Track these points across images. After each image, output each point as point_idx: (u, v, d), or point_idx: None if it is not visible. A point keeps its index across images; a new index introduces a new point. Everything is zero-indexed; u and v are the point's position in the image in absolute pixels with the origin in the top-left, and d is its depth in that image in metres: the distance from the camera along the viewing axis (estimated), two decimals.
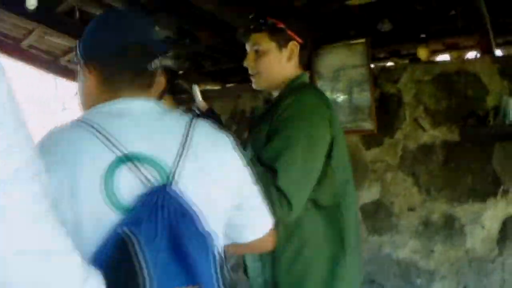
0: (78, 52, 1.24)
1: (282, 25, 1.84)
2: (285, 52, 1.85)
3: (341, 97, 3.88)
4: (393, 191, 3.82)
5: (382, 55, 4.45)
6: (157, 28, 1.30)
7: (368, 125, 3.78)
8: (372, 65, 3.90)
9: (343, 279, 1.74)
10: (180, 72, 2.26)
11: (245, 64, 1.92)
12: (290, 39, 1.85)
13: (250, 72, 1.92)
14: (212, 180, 1.15)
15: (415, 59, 4.01)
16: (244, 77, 4.82)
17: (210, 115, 1.75)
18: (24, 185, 0.71)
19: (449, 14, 3.46)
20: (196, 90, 1.82)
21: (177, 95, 2.29)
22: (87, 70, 1.20)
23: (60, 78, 5.40)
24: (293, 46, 1.85)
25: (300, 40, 1.86)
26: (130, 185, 1.03)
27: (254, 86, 1.94)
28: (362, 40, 3.80)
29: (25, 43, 4.68)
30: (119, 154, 1.03)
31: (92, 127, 1.06)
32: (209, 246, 1.03)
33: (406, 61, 4.25)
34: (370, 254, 3.76)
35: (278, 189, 1.60)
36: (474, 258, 3.49)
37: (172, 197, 1.02)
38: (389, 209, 3.83)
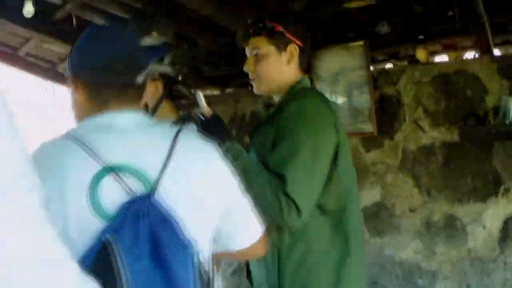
0: (67, 67, 1.28)
1: (281, 28, 1.83)
2: (285, 55, 1.85)
3: (340, 100, 3.87)
4: (394, 192, 3.82)
5: (381, 57, 4.44)
6: (147, 40, 1.32)
7: (368, 127, 3.78)
8: (371, 68, 3.89)
9: (348, 282, 1.74)
10: (179, 77, 2.24)
11: (245, 68, 1.91)
12: (289, 42, 1.84)
13: (250, 76, 1.92)
14: (197, 190, 1.18)
15: (414, 61, 4.01)
16: (243, 81, 4.83)
17: (214, 120, 1.73)
18: (22, 195, 0.72)
19: (447, 15, 3.46)
20: (200, 96, 1.80)
21: (176, 100, 2.28)
22: (75, 85, 1.24)
23: (58, 85, 5.40)
24: (293, 49, 1.85)
25: (299, 43, 1.86)
26: (114, 195, 1.07)
27: (254, 90, 1.94)
28: (361, 43, 3.79)
29: (22, 51, 4.68)
30: (104, 165, 1.07)
31: (79, 140, 1.10)
32: (189, 255, 1.06)
33: (405, 63, 4.24)
34: (372, 256, 3.75)
35: (287, 195, 1.60)
36: (476, 258, 3.49)
37: (154, 207, 1.06)
38: (390, 211, 3.82)
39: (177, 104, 2.27)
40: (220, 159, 1.28)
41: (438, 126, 3.66)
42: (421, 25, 3.64)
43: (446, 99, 3.64)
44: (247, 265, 1.90)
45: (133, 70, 1.22)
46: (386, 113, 3.85)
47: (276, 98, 1.94)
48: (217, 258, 1.33)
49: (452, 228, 3.58)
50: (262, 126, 1.87)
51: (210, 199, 1.20)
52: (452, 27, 3.43)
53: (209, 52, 4.30)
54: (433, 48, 4.10)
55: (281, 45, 1.84)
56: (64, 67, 4.85)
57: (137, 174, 1.10)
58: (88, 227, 1.04)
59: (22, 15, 3.41)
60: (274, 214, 1.61)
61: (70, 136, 1.13)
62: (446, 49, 4.12)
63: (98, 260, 0.99)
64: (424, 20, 3.56)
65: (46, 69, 5.05)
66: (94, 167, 1.07)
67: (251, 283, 1.88)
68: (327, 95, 3.75)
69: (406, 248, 3.74)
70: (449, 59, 4.09)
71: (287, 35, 1.84)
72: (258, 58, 1.86)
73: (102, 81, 1.21)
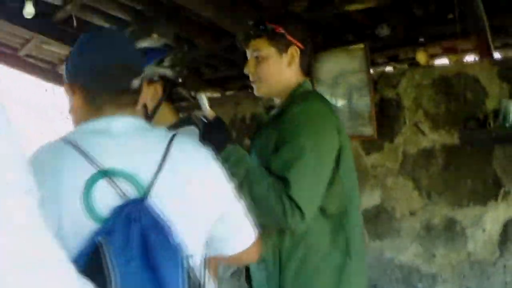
0: (64, 74, 1.30)
1: (281, 30, 1.83)
2: (285, 57, 1.84)
3: (340, 103, 3.87)
4: (394, 195, 3.81)
5: (380, 60, 4.44)
6: (147, 42, 1.33)
7: (368, 130, 3.77)
8: (371, 70, 3.89)
9: (349, 285, 1.74)
10: (179, 79, 2.24)
11: (246, 70, 1.91)
12: (290, 44, 1.84)
13: (250, 78, 1.91)
14: (191, 194, 1.19)
15: (414, 64, 4.00)
16: (243, 84, 4.83)
17: (217, 123, 1.73)
18: (21, 196, 0.73)
19: (447, 17, 3.46)
20: (203, 98, 1.78)
21: (176, 102, 2.28)
22: (72, 90, 1.26)
23: (58, 86, 5.40)
24: (293, 51, 1.84)
25: (300, 45, 1.85)
26: (107, 198, 1.09)
27: (255, 92, 1.93)
28: (361, 45, 3.79)
29: (22, 52, 4.68)
30: (98, 169, 1.10)
31: (74, 144, 1.13)
32: (179, 259, 1.07)
33: (405, 66, 4.24)
34: (372, 259, 3.75)
35: (291, 199, 1.60)
36: (475, 261, 3.48)
37: (146, 211, 1.08)
38: (390, 214, 3.82)
39: (177, 106, 2.27)
40: (214, 163, 1.30)
41: (438, 129, 3.66)
42: (421, 28, 3.64)
43: (446, 102, 3.64)
44: (247, 268, 1.90)
45: (128, 75, 1.24)
46: (386, 116, 3.85)
47: (277, 101, 1.94)
48: (215, 261, 1.34)
49: (452, 231, 3.58)
50: (264, 128, 1.87)
51: (203, 204, 1.22)
52: (452, 29, 3.43)
53: (209, 54, 4.31)
54: (433, 51, 4.09)
55: (282, 47, 1.84)
56: (63, 69, 4.85)
57: (131, 178, 1.12)
58: (82, 229, 1.07)
59: (22, 16, 3.41)
60: (278, 217, 1.61)
61: (66, 140, 1.15)
62: (446, 52, 4.11)
63: (90, 261, 1.01)
64: (424, 22, 3.56)
65: (46, 70, 5.05)
66: (89, 171, 1.10)
67: (251, 286, 1.87)
68: (327, 98, 3.74)
69: (406, 251, 3.74)
70: (449, 62, 4.08)
71: (288, 37, 1.83)
72: (258, 60, 1.85)
73: (98, 86, 1.23)
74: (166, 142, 1.20)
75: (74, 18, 3.66)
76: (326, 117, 1.75)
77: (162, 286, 1.04)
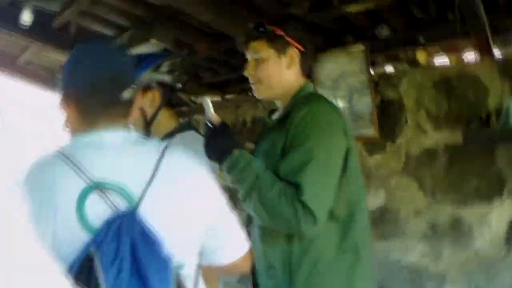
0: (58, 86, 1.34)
1: (280, 32, 1.82)
2: (285, 59, 1.83)
3: (341, 104, 3.85)
4: (399, 196, 3.80)
5: (380, 61, 4.42)
6: (145, 47, 1.35)
7: (370, 131, 3.76)
8: (371, 71, 3.87)
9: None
10: (178, 84, 2.22)
11: (245, 73, 1.90)
12: (290, 46, 1.83)
13: (250, 80, 1.90)
14: (183, 206, 1.23)
15: (414, 64, 3.99)
16: (243, 87, 4.82)
17: (222, 128, 1.70)
18: (15, 206, 0.75)
19: (446, 17, 3.44)
20: (208, 103, 1.74)
21: (176, 107, 2.26)
22: (66, 103, 1.29)
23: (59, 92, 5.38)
24: (293, 53, 1.83)
25: (300, 47, 1.84)
26: (99, 210, 1.13)
27: (255, 95, 1.92)
28: (361, 47, 3.77)
29: (21, 60, 4.68)
30: (90, 182, 1.14)
31: (67, 158, 1.17)
32: (169, 271, 1.12)
33: (406, 66, 4.22)
34: (379, 260, 3.72)
35: (303, 204, 1.57)
36: (483, 259, 3.46)
37: (137, 223, 1.12)
38: (396, 215, 3.80)
39: (178, 111, 2.25)
40: (206, 175, 1.33)
41: (440, 128, 3.65)
42: (421, 28, 3.62)
43: (448, 102, 3.63)
44: (253, 275, 1.87)
45: (119, 87, 1.27)
46: (388, 116, 3.84)
47: (278, 103, 1.92)
48: (215, 271, 1.43)
49: (458, 230, 3.56)
50: (268, 132, 1.85)
51: (195, 215, 1.25)
52: (452, 29, 3.41)
53: (209, 58, 4.29)
54: (433, 51, 4.08)
55: (281, 49, 1.82)
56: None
57: (122, 191, 1.16)
58: (76, 240, 1.10)
59: (21, 23, 3.40)
60: (290, 222, 1.59)
61: (60, 154, 1.19)
62: (446, 51, 4.09)
63: (81, 271, 1.05)
64: (423, 22, 3.55)
65: (46, 77, 5.04)
66: (81, 184, 1.14)
67: None
68: None
69: (413, 252, 3.72)
70: (450, 61, 4.06)
71: (287, 38, 1.82)
72: (258, 62, 1.84)
73: (89, 99, 1.26)
74: (158, 154, 1.24)
75: (72, 25, 3.65)
76: (333, 119, 1.73)
77: None
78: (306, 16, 3.20)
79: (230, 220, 1.38)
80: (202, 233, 1.29)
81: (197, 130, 2.20)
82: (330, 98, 3.75)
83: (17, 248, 0.73)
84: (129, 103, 1.30)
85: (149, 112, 2.13)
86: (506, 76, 3.45)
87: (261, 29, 1.83)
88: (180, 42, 3.83)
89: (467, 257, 3.52)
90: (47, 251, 0.79)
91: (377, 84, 3.89)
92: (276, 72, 1.83)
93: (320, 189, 1.61)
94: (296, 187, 1.59)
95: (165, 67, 2.12)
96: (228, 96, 5.18)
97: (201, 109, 4.71)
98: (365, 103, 3.78)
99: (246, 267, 1.46)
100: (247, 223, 1.90)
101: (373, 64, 4.03)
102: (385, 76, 3.99)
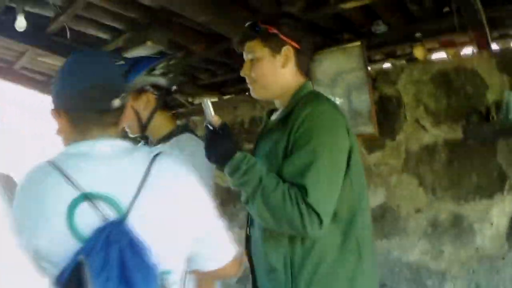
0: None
1: (274, 31, 1.80)
2: (280, 58, 1.81)
3: (339, 102, 3.83)
4: (399, 193, 3.78)
5: (378, 57, 4.41)
6: (140, 50, 1.37)
7: (369, 128, 3.74)
8: (369, 68, 3.86)
9: (363, 287, 1.71)
10: (174, 87, 2.21)
11: (242, 73, 1.88)
12: (284, 44, 1.80)
13: (247, 81, 1.89)
14: (171, 214, 1.27)
15: (411, 59, 3.97)
16: (241, 88, 4.81)
17: (223, 130, 1.66)
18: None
19: (442, 11, 3.43)
20: (207, 104, 1.70)
21: (174, 109, 2.25)
22: (57, 113, 1.32)
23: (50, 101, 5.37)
24: (287, 51, 1.81)
25: (295, 45, 1.82)
26: (89, 220, 1.17)
27: (252, 95, 1.90)
28: (357, 43, 3.76)
29: (17, 65, 4.66)
30: (79, 193, 1.19)
31: (58, 168, 1.22)
32: (155, 278, 1.16)
33: (403, 62, 4.21)
34: (380, 258, 3.71)
35: (309, 206, 1.56)
36: (484, 255, 3.44)
37: (125, 233, 1.16)
38: (396, 212, 3.79)
39: (175, 113, 2.24)
40: (195, 183, 1.36)
41: (440, 124, 3.64)
42: (418, 23, 3.61)
43: (447, 97, 3.62)
44: (253, 279, 1.85)
45: (108, 96, 1.29)
46: (387, 113, 3.83)
47: (277, 103, 1.90)
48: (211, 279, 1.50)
49: (459, 227, 3.54)
50: (269, 132, 1.82)
51: (183, 224, 1.29)
52: (448, 23, 3.40)
53: (206, 59, 4.28)
54: (431, 46, 4.06)
55: (276, 48, 1.80)
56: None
57: (111, 201, 1.20)
58: (66, 248, 1.15)
59: (16, 29, 3.38)
60: (296, 225, 1.57)
61: (52, 163, 1.24)
62: (443, 46, 4.08)
63: (71, 279, 1.10)
64: (420, 17, 3.53)
65: (42, 82, 5.03)
66: (71, 194, 1.18)
67: None
68: None
69: (414, 249, 3.70)
70: (447, 56, 4.05)
71: (282, 37, 1.80)
72: (253, 62, 1.83)
73: (79, 108, 1.29)
74: (147, 163, 1.27)
75: (67, 29, 3.63)
76: (336, 118, 1.70)
77: None
78: (302, 14, 3.19)
79: (217, 227, 1.41)
80: (189, 241, 1.32)
81: (194, 133, 2.19)
82: (329, 96, 3.78)
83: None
84: (119, 111, 1.32)
85: (144, 115, 2.12)
86: (504, 70, 3.43)
87: (255, 28, 1.82)
88: (177, 44, 3.82)
89: (468, 254, 3.50)
90: (29, 257, 0.88)
91: (375, 80, 3.88)
92: (271, 71, 1.81)
93: (325, 191, 1.60)
94: (301, 189, 1.57)
95: (160, 69, 2.11)
96: (226, 97, 5.16)
97: (198, 111, 4.70)
98: (364, 100, 3.77)
99: (234, 272, 1.49)
100: (248, 225, 1.89)
101: (370, 61, 4.02)
102: (383, 73, 3.98)
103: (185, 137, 2.11)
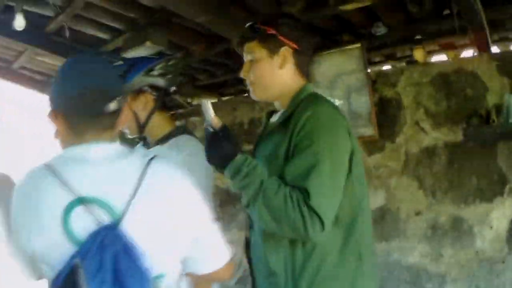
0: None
1: (272, 31, 1.78)
2: (277, 59, 1.79)
3: (339, 104, 3.81)
4: (398, 196, 3.77)
5: (378, 59, 4.40)
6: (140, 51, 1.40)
7: (369, 130, 3.73)
8: (369, 70, 3.85)
9: None
10: (173, 87, 2.19)
11: (241, 74, 1.86)
12: (282, 44, 1.78)
13: (246, 82, 1.87)
14: (165, 218, 1.28)
15: (411, 61, 3.96)
16: (240, 88, 4.80)
17: (223, 132, 1.64)
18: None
19: (443, 14, 3.42)
20: (207, 106, 1.66)
21: (172, 110, 2.24)
22: (55, 117, 1.33)
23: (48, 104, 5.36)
24: (285, 52, 1.78)
25: (293, 45, 1.79)
26: (84, 224, 1.20)
27: (252, 96, 1.88)
28: (357, 45, 3.75)
29: (16, 65, 4.65)
30: (75, 197, 1.21)
31: (54, 172, 1.24)
32: (148, 282, 1.19)
33: (403, 64, 4.20)
34: (379, 260, 3.69)
35: (311, 209, 1.53)
36: (484, 259, 3.43)
37: (119, 237, 1.18)
38: (396, 215, 3.77)
39: (174, 114, 2.23)
40: (190, 187, 1.37)
41: (440, 126, 3.62)
42: (418, 25, 3.60)
43: (447, 99, 3.60)
44: (253, 282, 1.84)
45: (103, 99, 1.30)
46: (386, 115, 3.81)
47: (277, 105, 1.88)
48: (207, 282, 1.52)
49: (458, 229, 3.53)
50: (269, 134, 1.80)
51: (177, 228, 1.31)
52: (449, 26, 3.39)
53: (205, 59, 4.27)
54: (430, 48, 4.06)
55: (274, 49, 1.78)
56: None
57: (105, 206, 1.22)
58: (61, 251, 1.18)
59: (14, 28, 3.37)
60: (298, 228, 1.54)
61: (48, 167, 1.26)
62: (443, 48, 4.07)
63: (66, 282, 1.13)
64: (420, 19, 3.52)
65: (41, 81, 5.01)
66: (67, 199, 1.20)
67: None
68: None
69: (413, 252, 3.68)
70: (448, 58, 4.04)
71: (280, 37, 1.78)
72: (252, 63, 1.81)
73: (74, 112, 1.30)
74: (142, 167, 1.29)
75: (66, 29, 3.62)
76: (338, 120, 1.68)
77: None
78: (301, 15, 3.17)
79: (212, 231, 1.43)
80: (183, 245, 1.34)
81: (192, 134, 2.17)
82: (328, 98, 3.76)
83: None
84: (115, 114, 1.34)
85: (142, 115, 2.11)
86: (504, 72, 3.42)
87: (254, 29, 1.80)
88: (176, 45, 3.81)
89: (467, 257, 3.48)
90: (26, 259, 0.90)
91: (375, 82, 3.86)
92: (269, 73, 1.79)
93: (327, 194, 1.57)
94: (303, 192, 1.55)
95: (158, 70, 2.10)
96: (225, 98, 5.15)
97: (197, 111, 4.69)
98: (363, 102, 3.75)
99: (228, 276, 1.51)
100: (247, 227, 1.87)
101: (370, 62, 4.01)
102: (383, 74, 3.97)
103: (184, 138, 2.09)
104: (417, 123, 3.71)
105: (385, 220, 3.79)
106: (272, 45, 1.78)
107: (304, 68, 1.85)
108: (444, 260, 3.56)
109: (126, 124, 2.09)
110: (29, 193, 1.25)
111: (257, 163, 1.63)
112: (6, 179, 1.85)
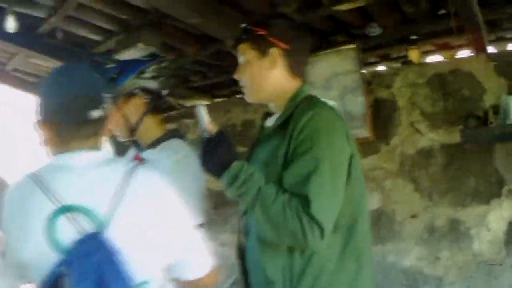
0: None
1: (263, 32, 1.75)
2: (267, 60, 1.76)
3: (334, 105, 3.77)
4: (394, 198, 3.74)
5: (372, 60, 4.38)
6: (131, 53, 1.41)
7: (364, 132, 3.70)
8: (363, 71, 3.82)
9: None
10: (164, 89, 2.16)
11: (235, 76, 1.84)
12: (272, 45, 1.75)
13: (240, 84, 1.84)
14: (149, 225, 1.30)
15: (407, 62, 3.93)
16: (233, 90, 4.78)
17: (219, 138, 1.60)
18: None
19: (438, 14, 3.39)
20: (202, 111, 1.62)
21: (165, 112, 2.20)
22: (42, 125, 1.36)
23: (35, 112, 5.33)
24: (275, 53, 1.75)
25: (284, 46, 1.75)
26: (68, 232, 1.22)
27: (246, 98, 1.85)
28: (352, 46, 3.72)
29: (9, 67, 4.62)
30: (59, 205, 1.24)
31: (39, 181, 1.27)
32: None
33: (398, 65, 4.18)
34: (375, 263, 3.63)
35: (310, 217, 1.49)
36: (481, 261, 3.40)
37: (103, 244, 1.21)
38: (391, 217, 3.74)
39: (167, 117, 2.20)
40: (173, 194, 1.39)
41: (436, 128, 3.59)
42: (413, 25, 3.57)
43: (443, 100, 3.58)
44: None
45: (88, 107, 1.32)
46: (381, 116, 3.79)
47: (272, 107, 1.84)
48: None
49: (456, 232, 3.49)
50: (267, 138, 1.76)
51: (162, 234, 1.32)
52: (444, 26, 3.36)
53: (197, 61, 4.24)
54: (426, 48, 4.03)
55: (263, 49, 1.76)
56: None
57: (90, 213, 1.24)
58: (47, 259, 1.20)
59: (6, 30, 3.34)
60: (297, 236, 1.51)
61: (34, 177, 1.29)
62: (439, 49, 4.05)
63: None
64: (415, 20, 3.50)
65: (34, 84, 4.98)
66: (51, 208, 1.23)
67: None
68: None
69: (410, 255, 3.65)
70: (443, 58, 4.02)
71: (270, 38, 1.75)
72: (244, 65, 1.79)
73: (59, 120, 1.32)
74: (125, 175, 1.30)
75: (59, 30, 3.59)
76: (337, 125, 1.64)
77: None
78: (296, 16, 3.15)
79: (195, 238, 1.45)
80: (167, 251, 1.35)
81: (184, 137, 2.14)
82: (323, 99, 3.74)
83: None
84: (100, 121, 1.36)
85: (133, 119, 2.07)
86: (501, 73, 3.40)
87: (246, 31, 1.78)
88: (169, 46, 3.78)
89: (465, 260, 3.45)
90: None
91: (370, 83, 3.84)
92: (259, 74, 1.76)
93: (327, 200, 1.53)
94: (303, 199, 1.51)
95: (150, 72, 2.07)
96: (218, 100, 5.12)
97: (190, 113, 4.65)
98: (358, 103, 3.73)
99: (212, 283, 1.53)
100: (243, 234, 1.83)
101: (365, 63, 3.98)
102: (378, 75, 3.94)
103: (175, 142, 2.06)
104: (412, 124, 3.69)
105: (380, 222, 3.76)
106: (263, 46, 1.75)
107: (297, 69, 1.81)
108: (441, 263, 3.53)
109: (117, 128, 2.07)
110: (15, 202, 1.28)
111: (254, 170, 1.59)
112: (1, 181, 1.86)
